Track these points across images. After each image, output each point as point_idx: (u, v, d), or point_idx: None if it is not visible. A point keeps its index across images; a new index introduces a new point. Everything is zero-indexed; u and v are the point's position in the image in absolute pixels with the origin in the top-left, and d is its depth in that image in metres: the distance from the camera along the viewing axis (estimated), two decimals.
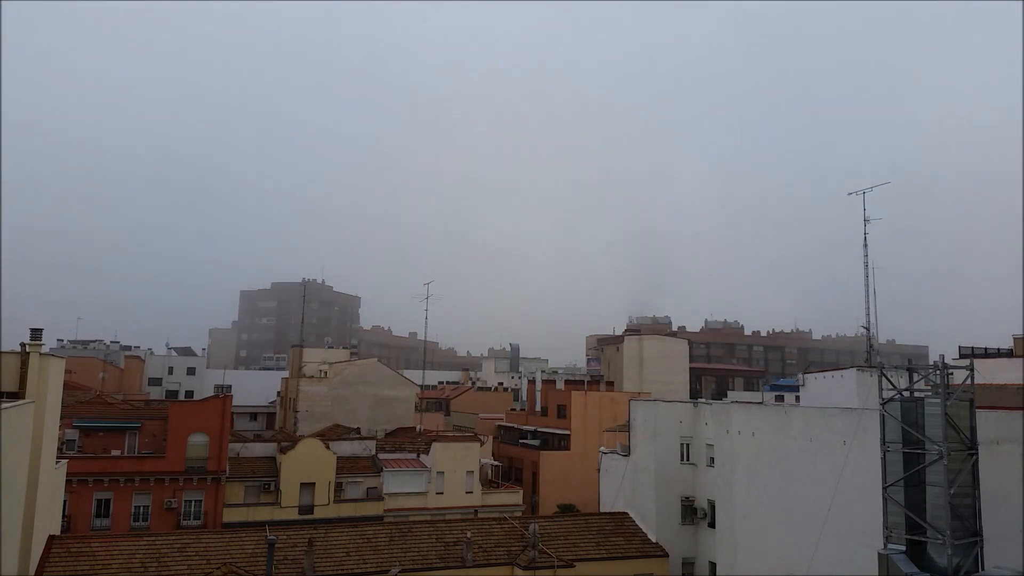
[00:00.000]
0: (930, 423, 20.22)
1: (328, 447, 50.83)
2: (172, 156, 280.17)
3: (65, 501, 38.85)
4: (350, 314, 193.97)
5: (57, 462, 33.24)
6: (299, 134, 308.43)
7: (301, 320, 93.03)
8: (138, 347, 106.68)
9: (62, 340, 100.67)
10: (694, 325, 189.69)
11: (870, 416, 24.50)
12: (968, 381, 20.78)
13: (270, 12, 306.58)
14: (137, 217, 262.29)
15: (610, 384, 78.58)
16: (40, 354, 28.07)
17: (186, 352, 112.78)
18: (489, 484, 56.33)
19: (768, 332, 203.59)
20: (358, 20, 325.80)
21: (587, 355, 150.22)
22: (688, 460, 39.26)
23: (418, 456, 54.48)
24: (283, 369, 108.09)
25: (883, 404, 21.44)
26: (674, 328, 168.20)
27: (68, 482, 38.00)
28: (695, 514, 38.50)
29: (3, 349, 27.90)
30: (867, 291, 45.64)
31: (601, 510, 43.95)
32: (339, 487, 50.00)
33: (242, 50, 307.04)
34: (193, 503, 46.78)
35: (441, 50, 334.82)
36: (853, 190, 46.44)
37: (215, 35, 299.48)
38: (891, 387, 21.38)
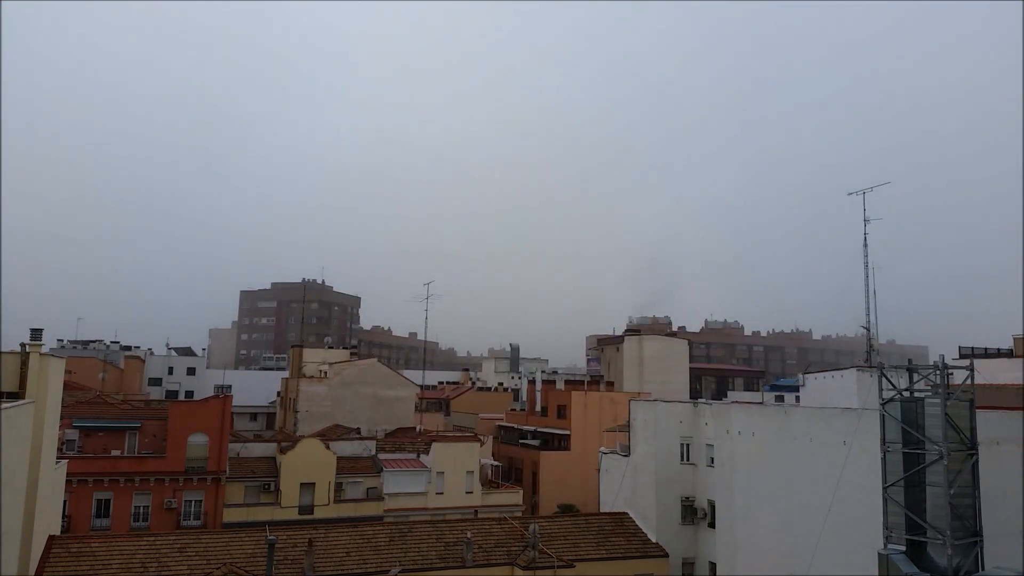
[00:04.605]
0: (930, 423, 20.20)
1: (328, 447, 50.85)
2: (171, 156, 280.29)
3: (65, 501, 38.84)
4: (350, 314, 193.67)
5: (57, 462, 33.24)
6: (299, 134, 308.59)
7: (301, 320, 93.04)
8: (138, 347, 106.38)
9: (62, 340, 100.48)
10: (694, 325, 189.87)
11: (870, 416, 24.48)
12: (968, 381, 20.75)
13: (273, 11, 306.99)
14: (137, 217, 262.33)
15: (610, 384, 78.47)
16: (40, 354, 28.09)
17: (186, 352, 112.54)
18: (489, 484, 56.33)
19: (768, 332, 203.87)
20: (359, 21, 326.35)
21: (587, 355, 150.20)
22: (688, 460, 39.25)
23: (418, 456, 54.47)
24: (283, 369, 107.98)
25: (883, 404, 21.41)
26: (674, 328, 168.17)
27: (68, 482, 38.01)
28: (695, 514, 38.50)
29: (3, 349, 27.91)
30: (867, 291, 45.68)
31: (601, 510, 43.95)
32: (339, 487, 50.01)
33: (242, 49, 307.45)
34: (193, 503, 46.82)
35: (440, 51, 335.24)
36: (854, 190, 46.58)
37: (216, 31, 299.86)
38: (891, 387, 21.35)
